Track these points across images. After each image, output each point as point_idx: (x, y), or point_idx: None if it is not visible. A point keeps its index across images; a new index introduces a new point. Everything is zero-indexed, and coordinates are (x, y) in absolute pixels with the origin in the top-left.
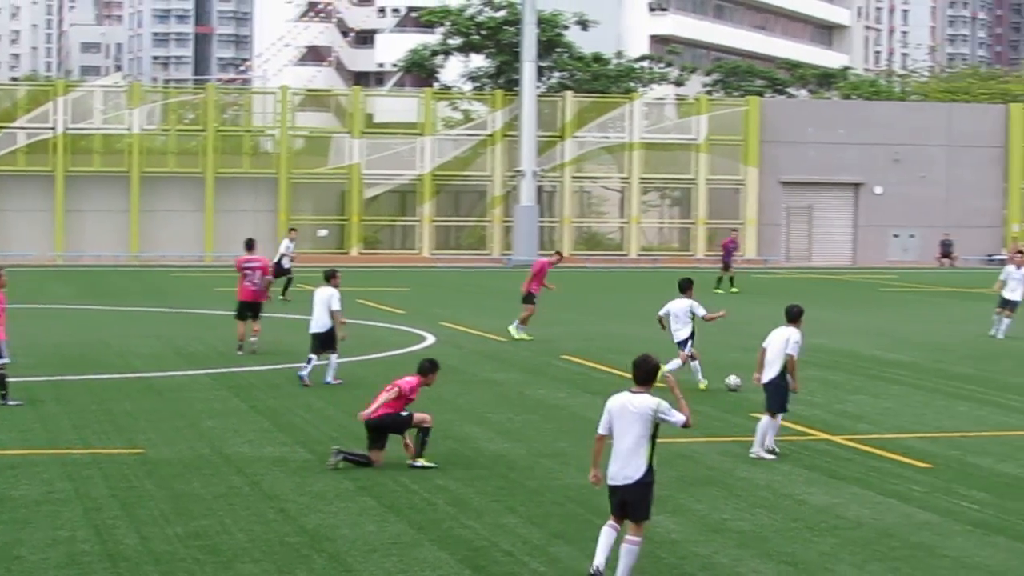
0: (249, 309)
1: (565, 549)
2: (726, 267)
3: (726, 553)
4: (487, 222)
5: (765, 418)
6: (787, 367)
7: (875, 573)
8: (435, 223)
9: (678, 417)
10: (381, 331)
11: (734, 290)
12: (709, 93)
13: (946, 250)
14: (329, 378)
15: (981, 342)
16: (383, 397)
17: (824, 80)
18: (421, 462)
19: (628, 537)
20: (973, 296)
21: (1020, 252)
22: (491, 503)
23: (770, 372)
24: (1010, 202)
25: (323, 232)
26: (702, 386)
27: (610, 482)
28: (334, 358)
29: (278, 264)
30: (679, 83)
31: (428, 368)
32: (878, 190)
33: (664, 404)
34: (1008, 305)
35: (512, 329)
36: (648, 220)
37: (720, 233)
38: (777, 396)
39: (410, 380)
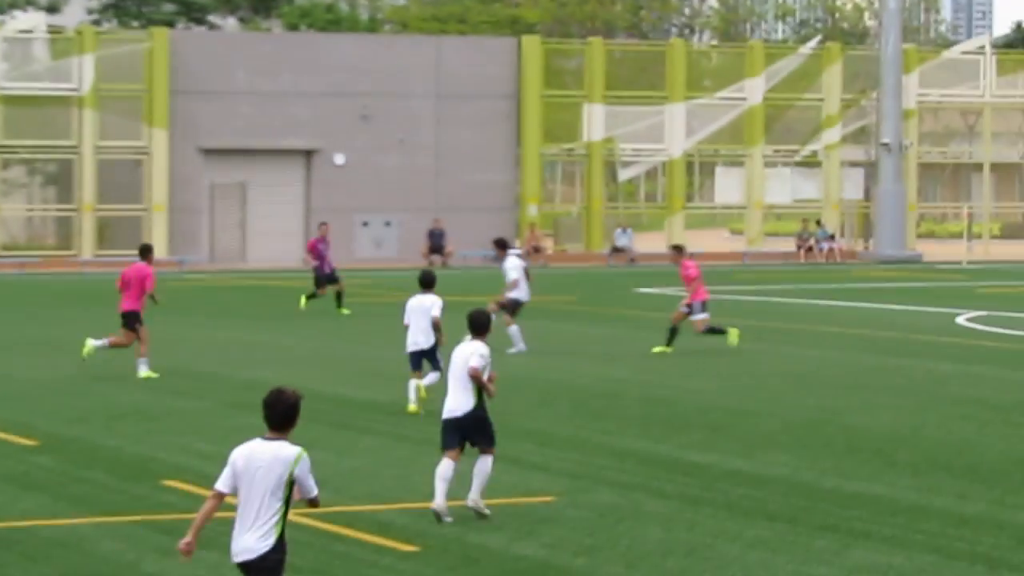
0: None
1: None
2: (326, 278)
3: None
4: None
5: (487, 459)
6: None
7: None
8: None
9: (313, 489)
10: None
11: (345, 311)
12: (97, 23)
13: (436, 242)
14: None
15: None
16: None
17: (261, 5)
18: None
19: None
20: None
21: (536, 249)
22: None
23: (464, 401)
24: (525, 175)
25: None
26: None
27: (234, 559)
28: None
29: None
30: (53, 9)
31: None
32: (339, 159)
33: (306, 460)
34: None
35: (143, 371)
36: (11, 206)
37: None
38: (489, 429)
39: None
